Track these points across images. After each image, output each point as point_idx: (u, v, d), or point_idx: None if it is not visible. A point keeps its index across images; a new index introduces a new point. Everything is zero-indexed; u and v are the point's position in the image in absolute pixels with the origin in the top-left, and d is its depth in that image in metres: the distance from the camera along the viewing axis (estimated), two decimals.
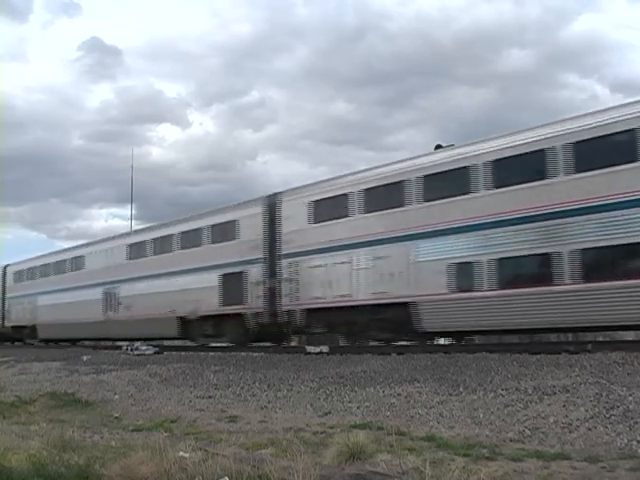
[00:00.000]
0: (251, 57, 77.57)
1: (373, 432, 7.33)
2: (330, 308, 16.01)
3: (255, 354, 16.42)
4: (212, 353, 18.09)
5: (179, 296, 20.60)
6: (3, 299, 34.33)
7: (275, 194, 18.55)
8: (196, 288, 20.01)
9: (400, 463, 5.69)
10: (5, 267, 34.92)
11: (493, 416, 7.77)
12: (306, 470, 5.06)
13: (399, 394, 9.29)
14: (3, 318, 34.03)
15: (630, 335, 14.60)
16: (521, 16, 68.08)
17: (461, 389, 9.00)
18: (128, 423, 9.74)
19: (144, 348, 19.67)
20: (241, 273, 18.60)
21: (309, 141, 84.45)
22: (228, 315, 18.93)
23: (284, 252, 17.51)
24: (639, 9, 75.40)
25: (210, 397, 11.13)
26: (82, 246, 29.34)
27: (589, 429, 6.88)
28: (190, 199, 72.16)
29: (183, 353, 18.80)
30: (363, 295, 15.40)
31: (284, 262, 17.43)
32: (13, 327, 32.63)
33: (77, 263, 27.86)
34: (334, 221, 16.32)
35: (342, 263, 15.84)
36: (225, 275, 19.18)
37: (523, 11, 69.54)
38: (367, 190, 15.67)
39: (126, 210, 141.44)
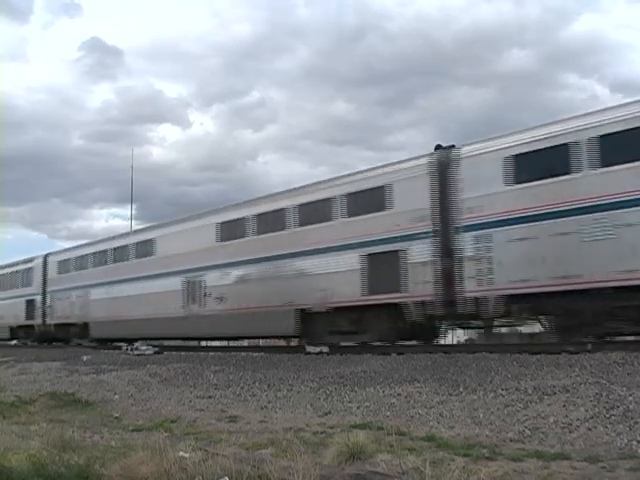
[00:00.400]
0: (251, 57, 77.86)
1: (373, 432, 7.33)
2: (541, 293, 12.39)
3: (255, 354, 16.44)
4: (212, 353, 18.12)
5: (299, 283, 16.62)
6: (44, 293, 29.16)
7: (448, 148, 14.49)
8: (325, 273, 16.05)
9: (400, 463, 5.69)
10: (46, 256, 30.08)
11: (493, 416, 7.77)
12: (306, 470, 5.07)
13: (399, 394, 9.29)
14: (44, 315, 28.88)
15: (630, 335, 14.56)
16: (521, 16, 68.30)
17: (461, 389, 9.00)
18: (128, 423, 9.74)
19: (144, 348, 19.68)
20: (396, 252, 14.55)
21: (309, 141, 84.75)
22: (374, 306, 14.96)
23: (466, 223, 13.51)
24: (639, 9, 75.50)
25: (210, 397, 11.13)
26: (151, 228, 24.43)
27: (589, 429, 6.88)
28: (190, 199, 72.42)
29: (183, 353, 18.83)
30: (602, 275, 11.57)
31: (466, 236, 13.49)
32: (57, 325, 27.77)
33: (145, 248, 22.95)
34: (549, 180, 12.37)
35: (564, 234, 12.06)
36: (371, 255, 15.10)
37: (523, 11, 69.78)
38: (605, 137, 11.71)
39: (126, 210, 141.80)
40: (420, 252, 14.17)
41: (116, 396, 12.32)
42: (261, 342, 23.11)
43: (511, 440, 6.93)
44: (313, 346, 15.82)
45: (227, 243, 19.15)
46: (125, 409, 11.12)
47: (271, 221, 17.86)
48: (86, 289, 25.80)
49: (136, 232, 25.10)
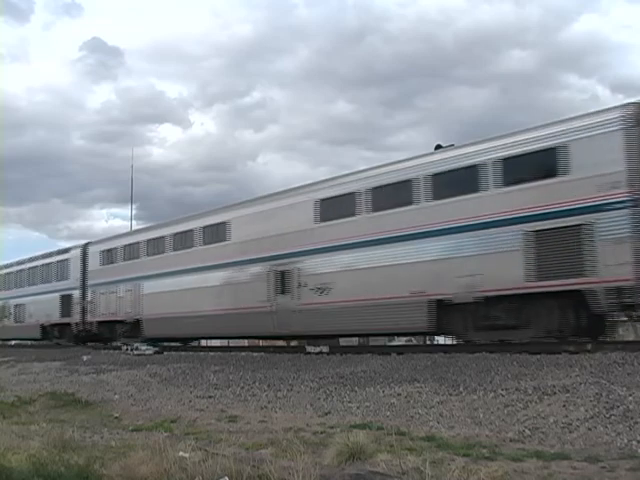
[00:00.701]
0: (252, 58, 77.94)
1: (373, 432, 7.34)
2: None
3: (255, 354, 16.42)
4: (212, 353, 18.11)
5: (434, 269, 13.75)
6: (83, 287, 25.93)
7: None
8: (471, 255, 13.22)
9: (400, 463, 5.70)
10: (85, 246, 26.88)
11: (493, 416, 7.77)
12: (306, 470, 5.08)
13: (399, 394, 9.29)
14: (84, 312, 25.60)
15: (630, 335, 14.57)
16: (522, 17, 68.34)
17: (461, 389, 9.00)
18: (128, 423, 9.75)
19: (144, 348, 19.68)
20: (578, 228, 11.85)
21: (310, 141, 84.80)
22: (541, 295, 12.30)
23: None
24: (639, 9, 75.53)
25: (210, 397, 11.14)
26: (222, 210, 20.35)
27: (589, 429, 6.88)
28: (191, 199, 72.43)
29: (183, 353, 18.82)
30: None
31: None
32: (100, 323, 24.74)
33: (215, 233, 19.70)
34: None
35: None
36: (538, 232, 12.28)
37: (524, 12, 69.77)
38: None
39: (127, 210, 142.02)
40: (614, 226, 11.55)
41: (116, 396, 12.32)
42: (261, 342, 23.07)
43: (511, 440, 6.93)
44: (313, 346, 15.82)
45: (330, 223, 16.16)
46: (125, 409, 11.12)
47: (392, 195, 14.86)
48: (138, 281, 22.62)
49: (202, 214, 21.34)
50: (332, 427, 8.10)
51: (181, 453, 6.35)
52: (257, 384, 11.48)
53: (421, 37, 71.32)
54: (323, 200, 16.45)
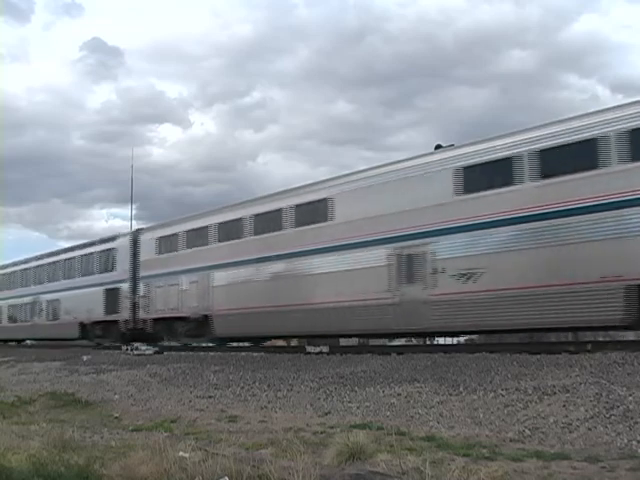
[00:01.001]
0: (253, 58, 77.98)
1: (373, 432, 7.34)
2: None
3: (255, 354, 16.42)
4: (212, 353, 18.10)
5: (635, 247, 10.96)
6: (134, 279, 22.70)
7: None
8: None
9: (400, 463, 5.70)
10: (136, 233, 23.71)
11: (493, 416, 7.77)
12: (306, 470, 5.08)
13: (399, 394, 9.29)
14: (135, 308, 22.43)
15: (630, 335, 14.54)
16: (522, 17, 68.36)
17: (461, 389, 9.00)
18: (128, 423, 9.75)
19: (144, 348, 19.69)
20: None
21: (310, 141, 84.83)
22: None
23: None
24: (639, 9, 75.59)
25: (210, 397, 11.14)
26: (320, 185, 17.19)
27: (589, 429, 6.88)
28: (191, 199, 72.44)
29: (183, 353, 18.81)
30: None
31: None
32: (156, 320, 21.48)
33: (312, 212, 16.73)
34: None
35: None
36: None
37: (524, 12, 69.79)
38: None
39: (127, 210, 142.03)
40: None
41: (116, 396, 12.33)
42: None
43: (511, 440, 6.93)
44: (313, 346, 15.83)
45: (477, 195, 13.26)
46: (125, 409, 11.12)
47: (569, 158, 12.04)
48: (207, 271, 19.42)
49: (292, 191, 18.10)
50: (332, 427, 8.10)
51: (181, 453, 6.35)
52: (257, 384, 11.48)
53: (421, 37, 71.43)
54: (466, 168, 13.50)
